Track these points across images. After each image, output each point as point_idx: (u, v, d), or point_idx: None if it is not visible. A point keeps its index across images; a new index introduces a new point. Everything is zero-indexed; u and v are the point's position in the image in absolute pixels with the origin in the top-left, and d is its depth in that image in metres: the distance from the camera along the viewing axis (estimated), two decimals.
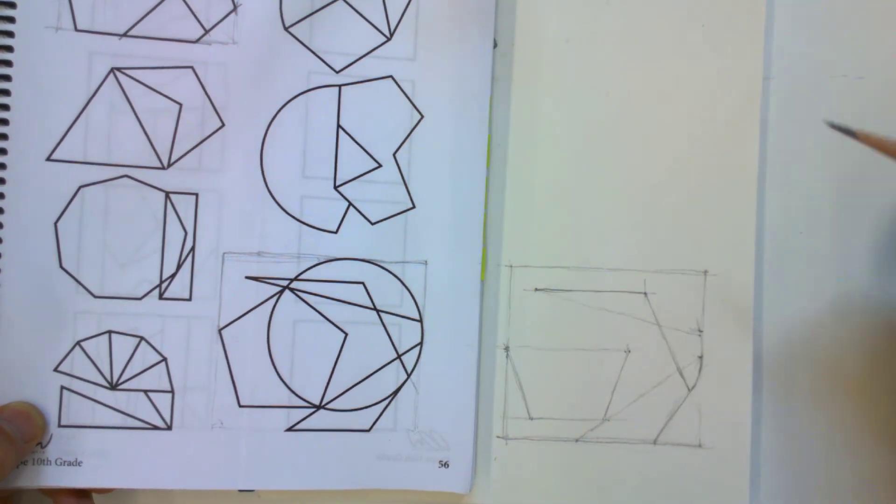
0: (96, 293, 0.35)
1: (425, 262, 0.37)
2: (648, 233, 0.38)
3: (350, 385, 0.36)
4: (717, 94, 0.38)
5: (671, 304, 0.38)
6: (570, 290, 0.38)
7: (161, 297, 0.35)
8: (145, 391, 0.35)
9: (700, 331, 0.38)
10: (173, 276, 0.36)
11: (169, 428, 0.35)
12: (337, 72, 0.36)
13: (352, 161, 0.37)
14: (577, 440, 0.38)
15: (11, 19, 0.34)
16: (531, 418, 0.38)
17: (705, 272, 0.38)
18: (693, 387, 0.38)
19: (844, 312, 0.39)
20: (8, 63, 0.34)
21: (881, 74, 0.39)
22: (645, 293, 0.38)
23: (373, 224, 0.37)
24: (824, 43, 0.39)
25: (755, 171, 0.38)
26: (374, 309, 0.37)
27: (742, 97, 0.38)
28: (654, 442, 0.38)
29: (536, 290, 0.38)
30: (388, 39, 0.37)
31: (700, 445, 0.38)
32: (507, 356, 0.38)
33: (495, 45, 0.38)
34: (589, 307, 0.38)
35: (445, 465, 0.36)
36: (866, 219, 0.39)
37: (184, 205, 0.36)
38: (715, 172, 0.38)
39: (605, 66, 0.38)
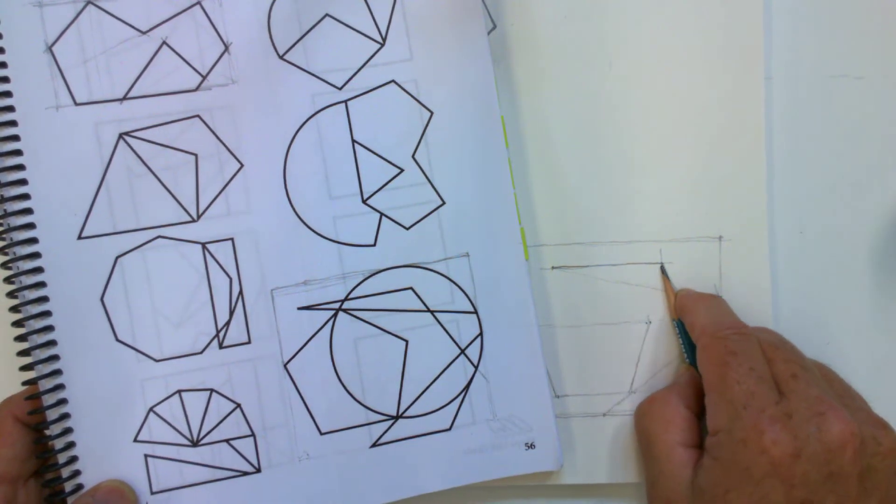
0: (157, 357, 0.35)
1: (467, 255, 0.37)
2: (660, 203, 0.38)
3: (422, 389, 0.37)
4: (720, 57, 0.37)
5: (688, 273, 0.38)
6: (587, 266, 0.38)
7: (221, 346, 0.36)
8: (227, 440, 0.36)
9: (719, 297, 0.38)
10: (228, 323, 0.36)
11: (258, 470, 0.36)
12: (339, 88, 0.36)
13: (374, 172, 0.37)
14: (604, 415, 0.38)
15: (11, 108, 0.34)
16: (557, 396, 0.38)
17: (720, 238, 0.38)
18: None
19: (844, 315, 0.39)
20: (18, 152, 0.34)
21: (881, 74, 0.38)
22: (661, 263, 0.38)
23: (408, 229, 0.37)
24: (824, 43, 0.39)
25: (762, 130, 0.37)
26: (428, 310, 0.37)
27: (746, 58, 0.37)
28: None
29: (553, 268, 0.38)
30: (382, 45, 0.37)
31: None
32: None
33: (494, 27, 0.38)
34: (606, 281, 0.38)
35: (531, 446, 0.37)
36: (866, 218, 0.39)
37: (222, 252, 0.36)
38: (722, 136, 0.38)
39: (606, 38, 0.38)
